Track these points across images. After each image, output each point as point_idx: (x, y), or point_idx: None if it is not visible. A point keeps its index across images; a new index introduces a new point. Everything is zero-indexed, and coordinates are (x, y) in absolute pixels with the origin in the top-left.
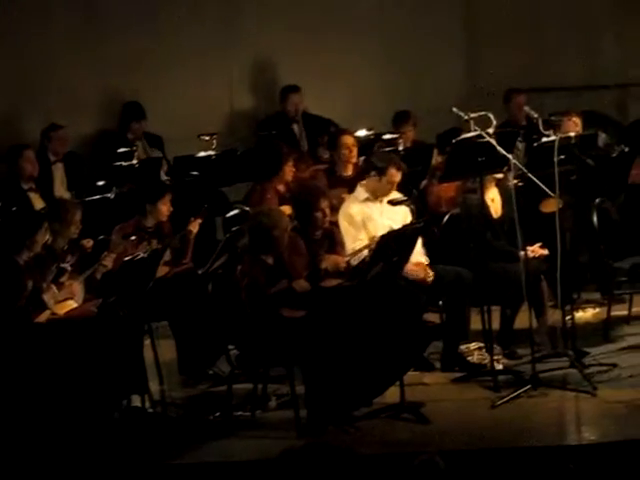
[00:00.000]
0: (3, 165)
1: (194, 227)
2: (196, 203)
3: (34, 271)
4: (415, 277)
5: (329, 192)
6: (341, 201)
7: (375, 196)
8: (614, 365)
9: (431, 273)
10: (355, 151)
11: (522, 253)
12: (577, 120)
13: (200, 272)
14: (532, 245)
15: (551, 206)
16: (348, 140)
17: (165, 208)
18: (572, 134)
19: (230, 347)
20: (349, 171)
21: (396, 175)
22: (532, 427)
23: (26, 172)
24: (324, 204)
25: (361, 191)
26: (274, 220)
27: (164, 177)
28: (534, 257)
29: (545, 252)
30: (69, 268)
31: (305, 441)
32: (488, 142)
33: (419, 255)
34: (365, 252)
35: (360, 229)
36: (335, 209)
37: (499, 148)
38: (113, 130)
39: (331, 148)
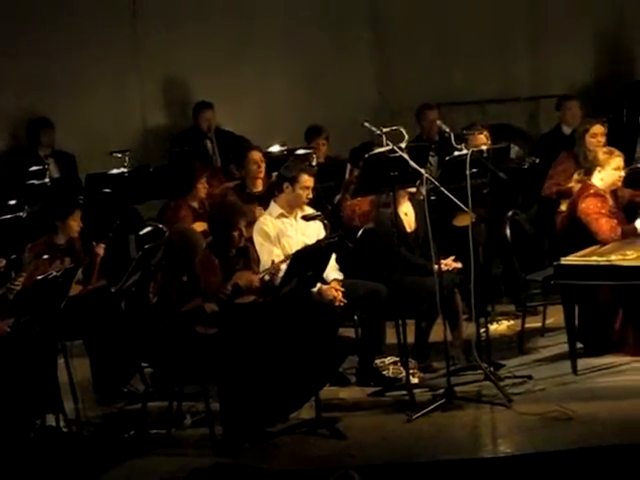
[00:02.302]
0: None
1: (100, 250)
2: (109, 220)
3: None
4: (328, 297)
5: (246, 209)
6: (253, 217)
7: (292, 208)
8: (529, 377)
9: (342, 299)
10: (263, 167)
11: (436, 266)
12: (487, 133)
13: (113, 290)
14: (446, 258)
15: (464, 220)
16: (256, 156)
17: (75, 224)
18: (484, 147)
19: (144, 365)
20: (259, 187)
21: (309, 180)
22: (448, 440)
23: None
24: (242, 223)
25: (275, 207)
26: (187, 239)
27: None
28: (448, 270)
29: (459, 265)
30: None
31: (221, 458)
32: (401, 156)
33: (333, 272)
34: (280, 268)
35: (275, 245)
36: (249, 225)
37: (411, 162)
38: (24, 149)
39: (239, 165)
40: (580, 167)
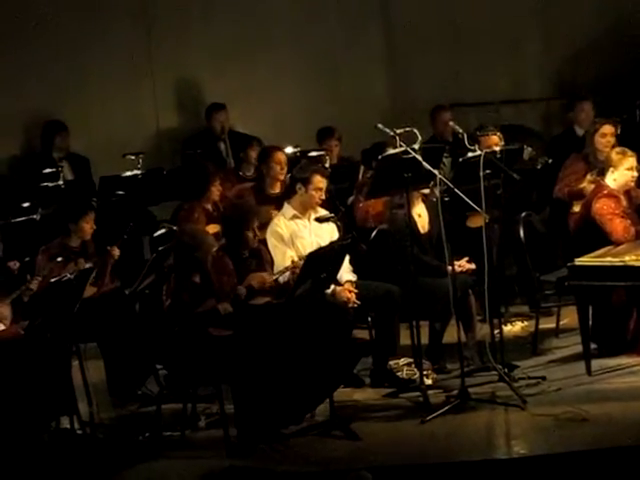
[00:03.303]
0: None
1: (115, 252)
2: (122, 223)
3: None
4: (342, 299)
5: (259, 210)
6: (269, 218)
7: (305, 210)
8: (543, 378)
9: (355, 300)
10: (285, 170)
11: (449, 268)
12: (500, 134)
13: (127, 292)
14: (459, 260)
15: (477, 221)
16: (281, 156)
17: (88, 226)
18: (497, 148)
19: (158, 367)
20: (277, 189)
21: (321, 181)
22: (462, 442)
23: None
24: (255, 224)
25: (288, 208)
26: (196, 239)
27: None
28: (462, 271)
29: (472, 266)
30: None
31: (235, 460)
32: (414, 158)
33: (347, 273)
34: (294, 269)
35: (288, 247)
36: (263, 226)
37: (425, 164)
38: (38, 151)
39: (262, 161)
40: (590, 168)
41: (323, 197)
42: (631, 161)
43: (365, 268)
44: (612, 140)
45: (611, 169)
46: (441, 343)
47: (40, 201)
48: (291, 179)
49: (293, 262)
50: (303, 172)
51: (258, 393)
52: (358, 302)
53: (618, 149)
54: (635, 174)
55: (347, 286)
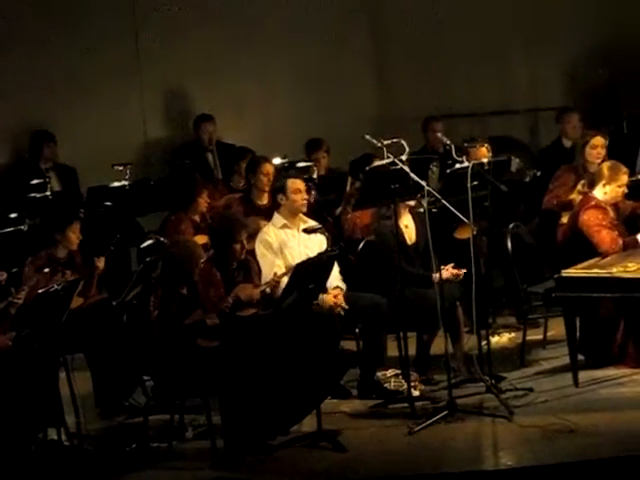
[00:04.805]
0: None
1: (100, 264)
2: (110, 233)
3: None
4: (328, 304)
5: (246, 221)
6: (257, 229)
7: (293, 216)
8: (530, 390)
9: (344, 304)
10: (272, 181)
11: (436, 275)
12: (488, 146)
13: (115, 303)
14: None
15: (465, 232)
16: (269, 168)
17: (74, 236)
18: (485, 160)
19: (146, 378)
20: (264, 200)
21: (295, 182)
22: (449, 453)
23: None
24: (243, 236)
25: (278, 218)
26: (186, 251)
27: None
28: (449, 280)
29: (460, 272)
30: None
31: (222, 471)
32: (401, 169)
33: (336, 281)
34: (282, 280)
35: (277, 256)
36: (250, 237)
37: (412, 175)
38: (25, 161)
39: (250, 172)
40: (580, 179)
41: (306, 197)
42: (624, 179)
43: (353, 279)
44: (603, 152)
45: (602, 183)
46: (429, 354)
47: (27, 212)
48: (272, 193)
49: (275, 275)
50: (278, 182)
51: (245, 404)
52: (346, 306)
53: (610, 164)
54: (625, 190)
55: (333, 292)
